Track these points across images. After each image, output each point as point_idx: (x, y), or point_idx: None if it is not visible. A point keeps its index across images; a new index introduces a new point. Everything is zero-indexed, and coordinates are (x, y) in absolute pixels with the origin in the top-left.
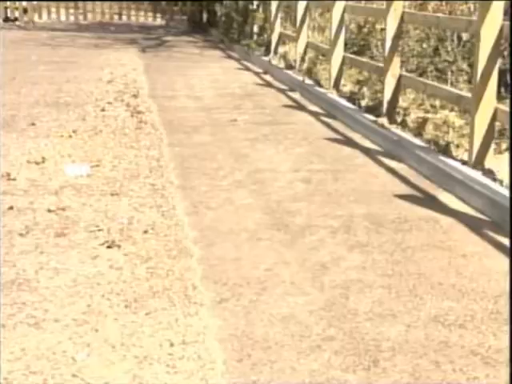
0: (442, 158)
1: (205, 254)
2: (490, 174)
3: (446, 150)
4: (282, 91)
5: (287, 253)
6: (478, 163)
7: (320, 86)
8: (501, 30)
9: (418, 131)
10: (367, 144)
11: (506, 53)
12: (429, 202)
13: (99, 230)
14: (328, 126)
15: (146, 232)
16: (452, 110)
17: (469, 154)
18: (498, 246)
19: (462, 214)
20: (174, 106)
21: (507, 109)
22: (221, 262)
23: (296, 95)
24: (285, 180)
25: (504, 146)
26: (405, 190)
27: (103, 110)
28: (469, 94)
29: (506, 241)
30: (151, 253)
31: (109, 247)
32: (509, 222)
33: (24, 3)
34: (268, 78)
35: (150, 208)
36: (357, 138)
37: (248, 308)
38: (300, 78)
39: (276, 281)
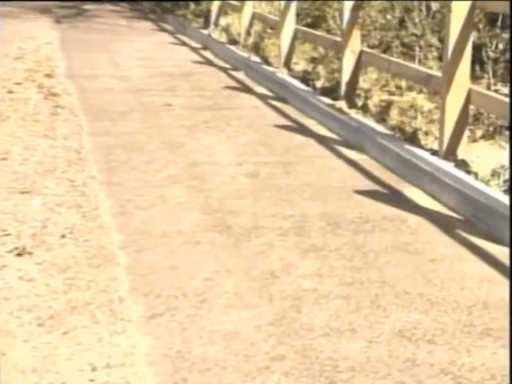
0: (409, 147)
1: (134, 262)
2: (463, 165)
3: (413, 139)
4: (224, 70)
5: (230, 259)
6: (450, 153)
7: (268, 64)
8: None
9: (382, 117)
10: (323, 132)
11: (480, 25)
12: (394, 198)
13: (7, 235)
14: (278, 110)
15: (63, 237)
16: (420, 91)
17: (439, 143)
18: (472, 248)
19: (431, 211)
20: (96, 88)
21: (483, 90)
22: (152, 270)
23: (240, 75)
24: (227, 174)
25: (479, 133)
26: (366, 184)
27: (10, 92)
28: (439, 74)
29: (481, 242)
30: (70, 261)
31: (19, 255)
32: (484, 220)
33: None
34: (208, 54)
35: (69, 208)
36: (311, 124)
37: (184, 324)
38: (245, 54)
39: (217, 292)
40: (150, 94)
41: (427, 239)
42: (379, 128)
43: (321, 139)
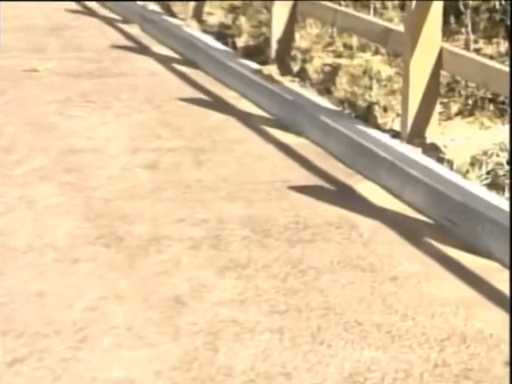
0: (362, 127)
1: None
2: (433, 151)
3: (367, 116)
4: (112, 23)
5: (121, 281)
6: (416, 135)
7: (172, 14)
8: None
9: (326, 86)
10: (247, 107)
11: None
12: (341, 196)
13: None
14: (185, 78)
15: None
16: (376, 52)
17: (402, 122)
18: (445, 262)
19: (391, 213)
20: None
21: (460, 51)
22: (12, 298)
23: (134, 29)
24: (117, 166)
25: (455, 108)
26: (305, 178)
27: None
28: (401, 28)
29: (456, 254)
30: None
31: None
32: (461, 224)
33: None
34: (90, 2)
35: None
36: (231, 97)
37: (56, 371)
38: (140, 1)
39: (103, 326)
40: (8, 56)
41: (386, 251)
42: (322, 102)
43: (244, 118)
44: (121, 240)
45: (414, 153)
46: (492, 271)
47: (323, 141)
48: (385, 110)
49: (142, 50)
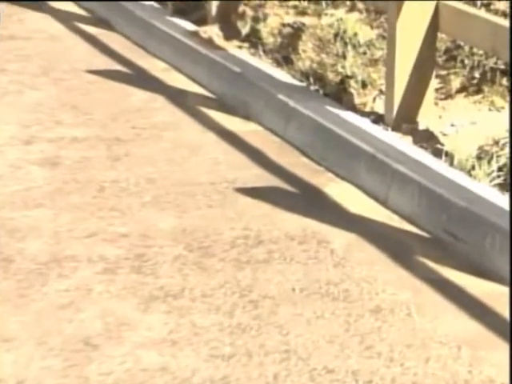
0: (333, 109)
1: None
2: (428, 140)
3: (340, 94)
4: None
5: (10, 318)
6: (406, 119)
7: None
8: None
9: (284, 55)
10: (179, 82)
11: None
12: (307, 201)
13: None
14: (95, 42)
15: None
16: (352, 8)
17: (386, 102)
18: (443, 287)
19: (372, 224)
20: None
21: (463, 6)
22: None
23: None
24: (4, 162)
25: (457, 82)
26: (258, 177)
27: None
28: None
29: (456, 276)
30: None
31: None
32: (464, 237)
33: None
34: None
35: None
36: (158, 69)
37: None
38: None
39: None
40: None
41: (365, 274)
42: (280, 75)
43: (175, 96)
44: (9, 262)
45: (403, 143)
46: (503, 299)
47: (282, 127)
48: (363, 85)
49: (38, 5)
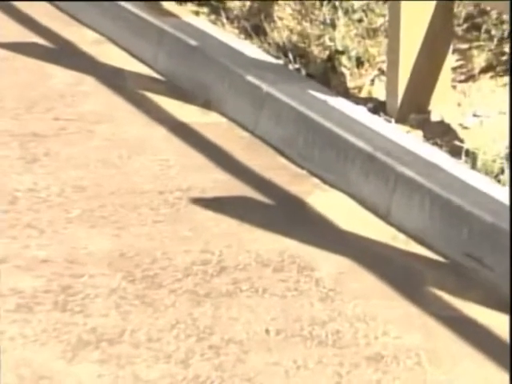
0: (319, 94)
1: None
2: (443, 135)
3: (327, 75)
4: None
5: None
6: (414, 108)
7: None
8: None
9: (255, 23)
10: (117, 59)
11: None
12: (286, 214)
13: None
14: (6, 9)
15: None
16: None
17: (388, 85)
18: (463, 326)
19: (370, 244)
20: None
21: None
22: None
23: None
24: None
25: (481, 58)
26: (220, 183)
27: None
28: None
29: (480, 311)
30: None
31: None
32: (490, 261)
33: None
34: None
35: None
36: (88, 41)
37: None
38: None
39: None
40: None
41: (361, 311)
42: (250, 50)
43: (111, 78)
44: None
45: (411, 139)
46: None
47: (252, 119)
48: (359, 63)
49: None
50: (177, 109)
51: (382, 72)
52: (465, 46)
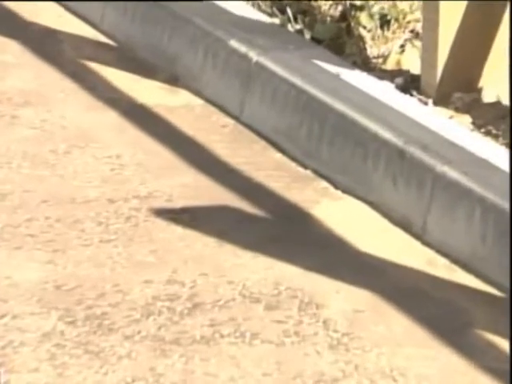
0: (330, 66)
1: None
2: (498, 122)
3: (339, 39)
4: None
5: None
6: (458, 84)
7: None
8: None
9: None
10: (49, 16)
11: None
12: (282, 230)
13: None
14: None
15: None
16: None
17: (424, 53)
18: None
19: (395, 270)
20: None
21: None
22: None
23: None
24: None
25: None
26: (189, 188)
27: None
28: None
29: None
30: None
31: None
32: None
33: None
34: None
35: None
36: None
37: None
38: None
39: None
40: None
41: (386, 363)
42: (234, 4)
43: (36, 42)
44: None
45: (455, 127)
46: None
47: (236, 100)
48: (384, 23)
49: None
50: (133, 86)
51: (415, 35)
52: None
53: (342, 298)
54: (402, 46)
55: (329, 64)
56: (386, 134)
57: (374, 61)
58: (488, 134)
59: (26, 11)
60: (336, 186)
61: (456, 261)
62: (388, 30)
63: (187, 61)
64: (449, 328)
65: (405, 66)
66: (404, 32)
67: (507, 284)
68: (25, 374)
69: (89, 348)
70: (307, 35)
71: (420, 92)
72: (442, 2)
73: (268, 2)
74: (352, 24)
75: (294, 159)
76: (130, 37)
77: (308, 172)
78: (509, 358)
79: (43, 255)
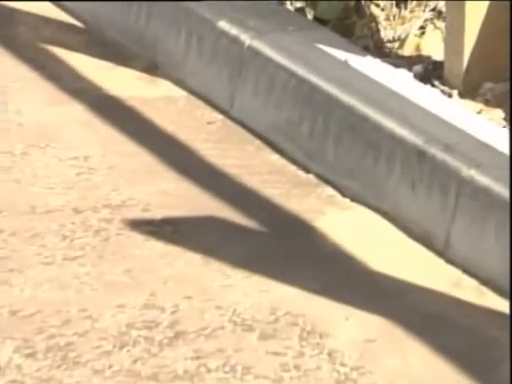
0: (337, 50)
1: None
2: None
3: (348, 19)
4: None
5: None
6: (489, 72)
7: None
8: None
9: None
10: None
11: None
12: (279, 246)
13: None
14: None
15: None
16: None
17: (448, 35)
18: None
19: (415, 294)
20: None
21: None
22: None
23: None
24: None
25: None
26: (170, 195)
27: None
28: None
29: None
30: None
31: None
32: None
33: None
34: None
35: None
36: None
37: None
38: None
39: None
40: None
41: None
42: None
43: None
44: None
45: (484, 124)
46: None
47: (226, 91)
48: (400, 0)
49: None
50: (103, 75)
51: (437, 14)
52: None
53: (350, 326)
54: (422, 28)
55: (335, 49)
56: (402, 132)
57: (389, 45)
58: None
59: None
60: (344, 194)
61: (485, 282)
62: (405, 8)
63: (168, 45)
64: (477, 362)
65: (425, 52)
66: (424, 11)
67: None
68: None
69: None
70: (309, 15)
71: (443, 82)
72: None
73: None
74: (363, 1)
75: (293, 161)
76: (100, 17)
77: (310, 176)
78: None
79: None
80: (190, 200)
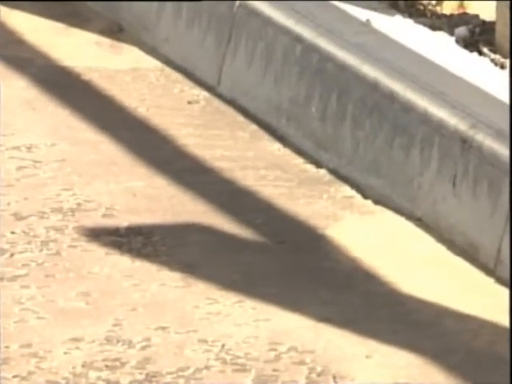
0: (357, 10)
1: None
2: None
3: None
4: None
5: None
6: None
7: None
8: None
9: None
10: None
11: None
12: (282, 264)
13: None
14: None
15: None
16: None
17: None
18: None
19: (460, 326)
20: None
21: None
22: None
23: None
24: None
25: None
26: (143, 197)
27: None
28: None
29: None
30: None
31: None
32: None
33: None
34: None
35: None
36: None
37: None
38: None
39: None
40: None
41: None
42: None
43: None
44: None
45: None
46: None
47: (212, 62)
48: None
49: None
50: (54, 40)
51: None
52: None
53: (373, 365)
54: None
55: (354, 6)
56: (441, 114)
57: (425, 1)
58: None
59: None
60: (365, 194)
61: None
62: None
63: (136, 3)
64: None
65: (471, 10)
66: None
67: None
68: None
69: None
70: None
71: (494, 49)
72: None
73: None
74: None
75: (299, 152)
76: None
77: (322, 172)
78: None
79: None
80: (165, 203)
